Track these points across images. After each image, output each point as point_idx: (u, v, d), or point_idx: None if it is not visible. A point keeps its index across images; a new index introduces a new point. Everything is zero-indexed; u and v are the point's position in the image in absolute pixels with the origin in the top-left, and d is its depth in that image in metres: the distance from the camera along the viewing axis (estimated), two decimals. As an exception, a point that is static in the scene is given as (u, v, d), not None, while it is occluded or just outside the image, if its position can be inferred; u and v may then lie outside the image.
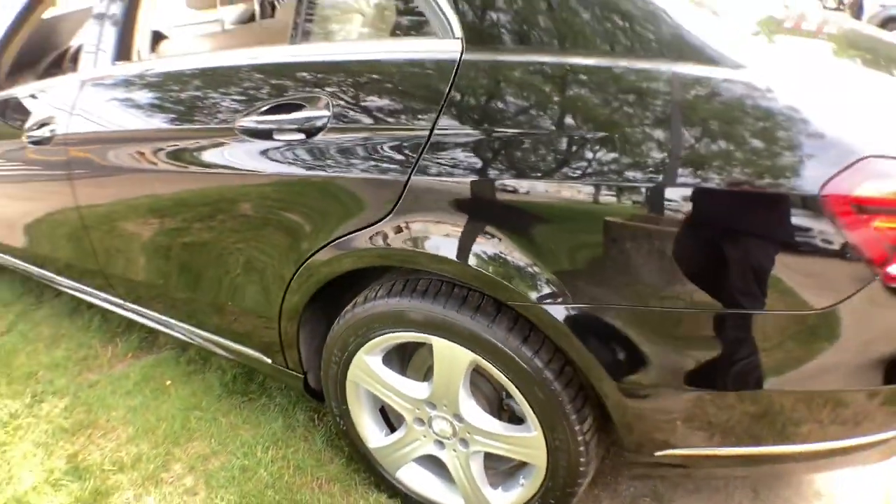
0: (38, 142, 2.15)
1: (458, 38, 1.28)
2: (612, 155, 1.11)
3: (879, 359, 1.13)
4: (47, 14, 2.78)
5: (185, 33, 2.94)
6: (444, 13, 1.29)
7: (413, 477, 1.67)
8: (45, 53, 3.06)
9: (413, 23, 1.52)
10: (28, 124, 2.23)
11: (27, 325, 2.81)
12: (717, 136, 1.07)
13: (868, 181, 1.01)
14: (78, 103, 2.02)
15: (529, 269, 1.22)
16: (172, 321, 2.09)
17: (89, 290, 2.38)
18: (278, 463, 1.88)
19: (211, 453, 1.95)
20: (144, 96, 1.86)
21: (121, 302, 2.25)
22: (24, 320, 2.85)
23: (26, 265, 2.70)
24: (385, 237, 1.35)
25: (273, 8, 3.20)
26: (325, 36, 1.83)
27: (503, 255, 1.23)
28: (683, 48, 1.13)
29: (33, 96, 2.36)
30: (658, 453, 1.30)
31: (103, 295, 2.33)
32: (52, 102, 2.17)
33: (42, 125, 2.13)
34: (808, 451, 1.25)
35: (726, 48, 1.13)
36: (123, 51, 2.00)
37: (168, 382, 2.30)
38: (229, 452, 1.94)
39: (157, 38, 2.62)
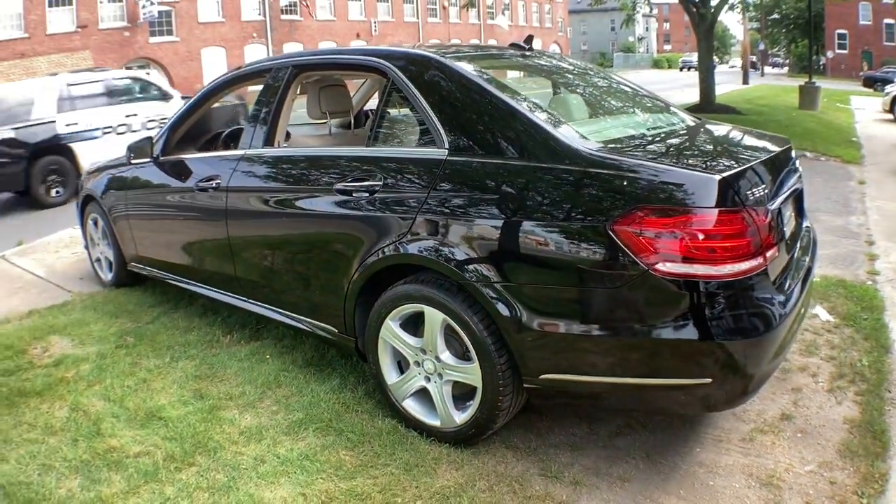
0: (203, 189, 3.46)
1: (445, 149, 2.47)
2: (504, 205, 2.24)
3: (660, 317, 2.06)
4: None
5: (305, 133, 4.31)
6: (441, 137, 2.50)
7: (412, 405, 2.63)
8: (200, 134, 4.46)
9: (427, 140, 2.62)
10: (197, 178, 3.56)
11: (168, 319, 4.05)
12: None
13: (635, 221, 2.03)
14: (238, 167, 3.32)
15: (470, 265, 2.29)
16: (276, 308, 3.25)
17: (224, 292, 3.59)
18: (333, 401, 2.91)
19: (290, 395, 3.00)
20: (279, 168, 3.14)
21: (244, 298, 3.45)
22: (165, 316, 4.10)
23: (177, 277, 3.99)
24: (402, 248, 2.49)
25: (365, 120, 4.59)
26: (385, 142, 2.98)
27: (458, 258, 2.32)
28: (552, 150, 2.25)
29: (200, 160, 3.71)
30: (542, 377, 2.26)
31: (233, 295, 3.54)
32: (219, 165, 3.48)
33: (209, 179, 3.44)
34: (636, 384, 2.16)
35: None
36: (269, 139, 3.29)
37: (267, 356, 3.41)
38: (302, 395, 2.99)
39: (289, 134, 3.95)
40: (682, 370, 2.11)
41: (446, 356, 2.47)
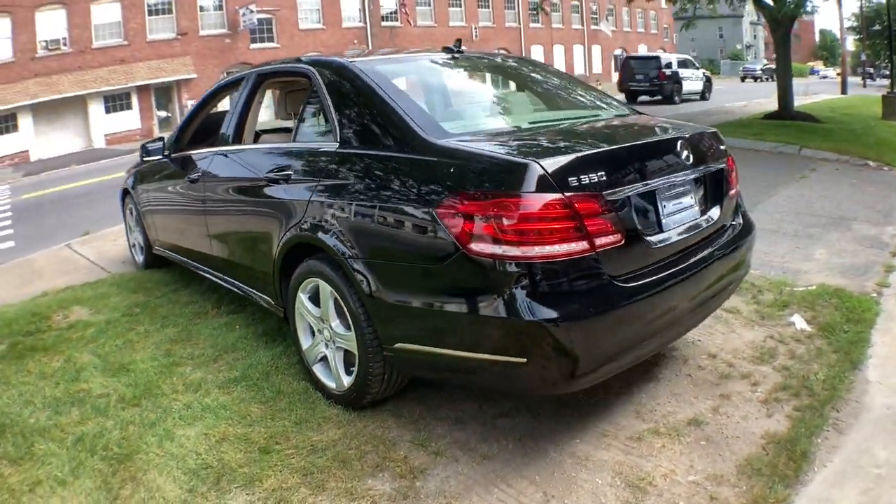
0: (193, 181, 4.08)
1: (337, 142, 2.89)
2: (366, 190, 2.61)
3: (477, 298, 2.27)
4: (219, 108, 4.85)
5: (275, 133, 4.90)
6: (336, 131, 2.91)
7: (319, 369, 3.06)
8: (210, 132, 5.12)
9: (329, 134, 2.98)
10: (191, 171, 4.19)
11: (175, 295, 4.71)
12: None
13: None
14: (211, 162, 3.92)
15: (341, 244, 2.66)
16: (236, 282, 3.81)
17: (208, 270, 4.21)
18: (269, 364, 3.34)
19: (240, 357, 3.49)
20: (233, 162, 3.71)
21: (220, 275, 4.05)
22: (173, 293, 4.76)
23: (180, 258, 4.66)
24: (300, 229, 2.91)
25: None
26: (303, 137, 3.30)
27: (333, 238, 2.70)
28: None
29: (196, 156, 4.34)
30: (395, 345, 2.56)
31: (213, 272, 4.14)
32: (202, 160, 4.10)
33: (195, 171, 4.06)
34: (463, 356, 2.38)
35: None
36: (236, 138, 3.85)
37: (237, 326, 3.95)
38: (248, 358, 3.45)
39: (259, 134, 4.50)
40: (499, 347, 2.26)
41: (335, 325, 2.89)
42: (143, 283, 5.03)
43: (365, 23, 35.92)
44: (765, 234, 5.20)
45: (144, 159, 4.72)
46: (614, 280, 2.30)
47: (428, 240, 2.39)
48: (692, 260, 2.65)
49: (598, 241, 2.24)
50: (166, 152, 4.61)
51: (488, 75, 3.68)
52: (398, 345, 2.60)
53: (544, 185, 2.17)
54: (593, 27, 48.61)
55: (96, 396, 3.18)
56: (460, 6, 40.30)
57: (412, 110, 2.71)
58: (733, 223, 3.08)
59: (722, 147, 3.12)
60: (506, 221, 2.18)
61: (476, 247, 2.23)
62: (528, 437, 2.68)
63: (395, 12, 36.84)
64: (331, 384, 3.00)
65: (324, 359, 3.07)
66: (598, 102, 3.48)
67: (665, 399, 2.96)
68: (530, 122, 3.06)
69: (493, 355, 2.31)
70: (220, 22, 31.71)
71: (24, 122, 26.45)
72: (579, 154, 2.36)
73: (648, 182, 2.52)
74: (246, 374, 3.32)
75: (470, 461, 2.54)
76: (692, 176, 2.78)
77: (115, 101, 28.23)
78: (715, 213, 2.92)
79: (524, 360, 2.21)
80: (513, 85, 3.65)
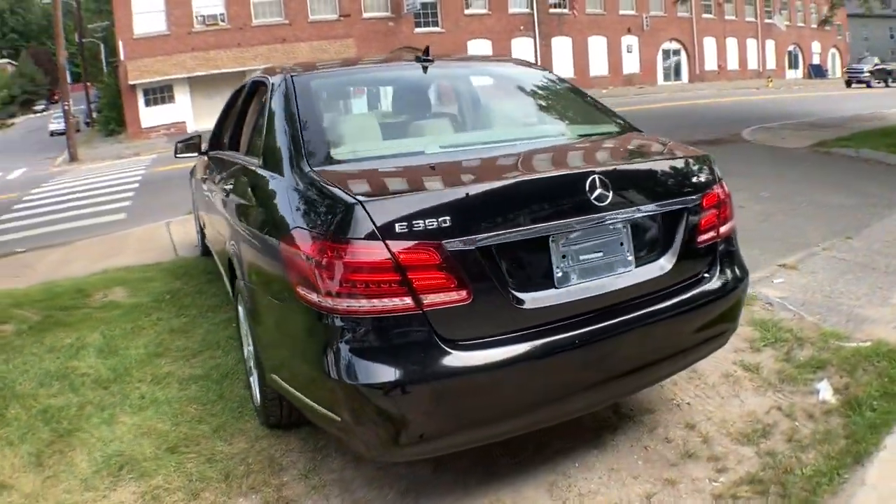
0: (203, 180, 4.50)
1: (259, 159, 2.87)
2: (252, 213, 2.68)
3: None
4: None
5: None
6: (260, 150, 2.88)
7: (252, 381, 3.07)
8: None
9: (257, 154, 2.93)
10: (207, 170, 4.57)
11: (207, 286, 5.12)
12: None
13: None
14: (213, 163, 4.31)
15: (239, 267, 2.81)
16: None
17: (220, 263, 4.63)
18: (231, 368, 3.59)
19: (215, 356, 3.78)
20: (216, 166, 4.02)
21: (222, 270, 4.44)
22: (208, 284, 5.18)
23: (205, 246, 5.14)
24: (229, 244, 3.07)
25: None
26: (250, 153, 3.22)
27: (238, 258, 2.84)
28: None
29: (217, 156, 4.55)
30: (270, 375, 2.55)
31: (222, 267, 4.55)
32: (215, 161, 4.41)
33: (212, 171, 4.42)
34: (303, 402, 2.30)
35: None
36: (232, 144, 4.00)
37: (233, 325, 4.37)
38: (221, 358, 3.75)
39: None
40: (320, 399, 2.14)
41: (248, 342, 3.06)
42: (189, 271, 5.59)
43: (532, 9, 35.98)
44: (851, 267, 4.74)
45: (177, 156, 5.05)
46: (450, 344, 2.03)
47: (277, 274, 2.32)
48: (609, 322, 2.26)
49: (429, 299, 1.98)
50: (203, 148, 4.92)
51: (443, 88, 3.52)
52: (271, 375, 2.57)
53: (364, 229, 1.95)
54: (766, 20, 45.64)
55: (79, 374, 3.65)
56: (631, -7, 39.24)
57: (310, 131, 2.58)
58: (706, 274, 2.60)
59: (699, 179, 2.61)
60: (322, 267, 1.99)
61: (300, 289, 2.11)
62: (413, 492, 2.56)
63: (564, -2, 36.21)
64: (255, 398, 3.11)
65: None
66: (566, 123, 3.21)
67: (597, 474, 2.63)
68: (442, 147, 2.72)
69: (319, 406, 2.18)
70: (383, 4, 32.74)
71: (181, 94, 29.08)
72: (417, 195, 2.11)
73: (532, 227, 2.15)
74: (208, 373, 3.63)
75: (343, 500, 2.56)
76: (624, 217, 2.33)
77: (276, 79, 30.31)
78: (666, 262, 2.46)
79: (338, 418, 2.09)
80: (466, 99, 3.45)
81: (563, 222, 2.21)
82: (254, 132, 3.31)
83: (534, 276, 2.20)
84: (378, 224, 1.96)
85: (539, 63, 35.23)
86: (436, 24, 33.86)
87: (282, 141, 2.64)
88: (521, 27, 35.79)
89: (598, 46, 38.64)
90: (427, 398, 2.02)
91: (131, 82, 28.47)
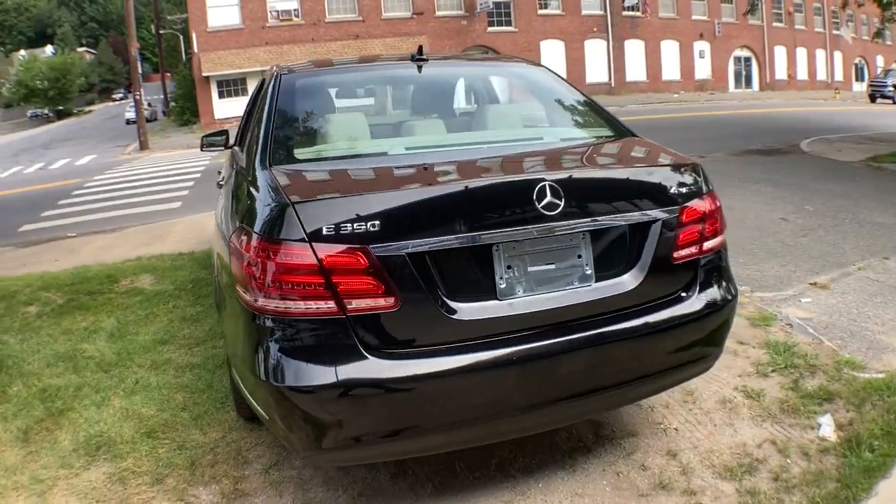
0: (219, 174, 4.65)
1: (243, 155, 3.00)
2: (228, 207, 2.73)
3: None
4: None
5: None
6: (244, 153, 2.97)
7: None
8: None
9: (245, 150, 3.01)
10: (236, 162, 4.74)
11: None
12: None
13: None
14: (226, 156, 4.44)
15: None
16: None
17: None
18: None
19: (217, 347, 4.07)
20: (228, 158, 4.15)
21: None
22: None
23: None
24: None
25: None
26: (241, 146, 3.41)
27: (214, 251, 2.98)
28: None
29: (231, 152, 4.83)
30: (232, 369, 2.65)
31: None
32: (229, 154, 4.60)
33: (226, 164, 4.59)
34: None
35: None
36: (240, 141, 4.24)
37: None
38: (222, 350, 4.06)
39: None
40: (254, 397, 2.21)
41: None
42: (214, 262, 5.80)
43: (605, 11, 36.02)
44: (882, 290, 4.52)
45: (203, 150, 5.17)
46: (374, 351, 2.02)
47: (228, 270, 2.40)
48: (561, 339, 2.17)
49: (353, 304, 1.99)
50: (231, 145, 5.13)
51: (429, 89, 3.44)
52: (232, 369, 2.63)
53: (293, 231, 1.97)
54: (834, 32, 44.20)
55: (85, 357, 3.85)
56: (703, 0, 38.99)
57: (281, 130, 2.66)
58: (684, 293, 2.43)
59: (679, 190, 2.41)
60: (255, 266, 2.03)
61: (238, 287, 2.16)
62: (365, 497, 2.59)
63: (638, 1, 36.46)
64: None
65: None
66: (549, 126, 3.13)
67: (559, 497, 2.54)
68: (407, 148, 2.74)
69: (255, 403, 2.24)
70: (456, 3, 33.24)
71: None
72: (347, 198, 2.09)
73: (470, 235, 2.08)
74: (205, 363, 3.76)
75: (292, 501, 2.58)
76: (582, 228, 2.23)
77: (346, 76, 31.16)
78: (633, 279, 2.30)
79: (267, 417, 2.14)
80: (451, 100, 3.42)
81: (507, 231, 2.12)
82: (246, 128, 3.43)
83: (473, 286, 2.14)
84: (306, 226, 1.97)
85: (612, 66, 35.61)
86: (509, 23, 34.20)
87: (257, 139, 2.69)
88: (595, 29, 35.77)
89: (670, 51, 38.22)
90: (346, 405, 2.01)
91: (205, 74, 29.58)
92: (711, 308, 2.46)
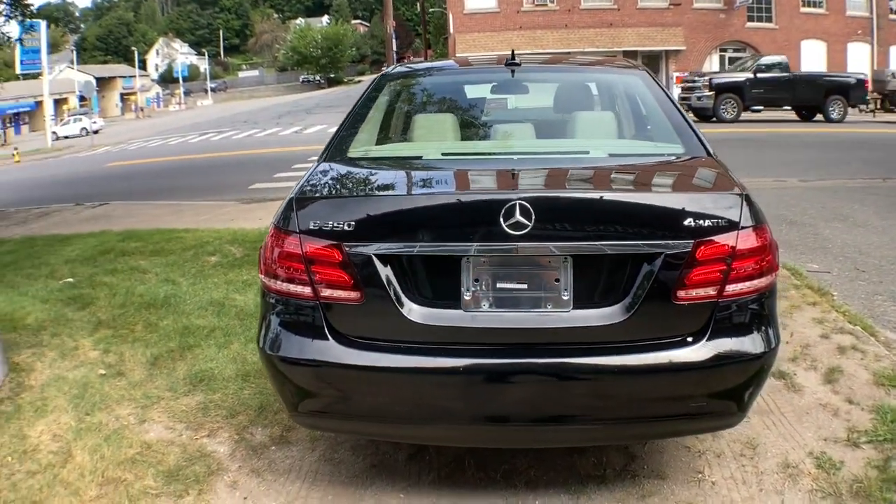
0: None
1: None
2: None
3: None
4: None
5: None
6: None
7: None
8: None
9: None
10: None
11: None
12: None
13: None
14: None
15: None
16: None
17: None
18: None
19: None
20: None
21: None
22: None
23: None
24: None
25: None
26: None
27: None
28: None
29: None
30: None
31: None
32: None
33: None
34: None
35: None
36: None
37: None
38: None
39: None
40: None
41: None
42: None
43: (871, 13, 33.41)
44: None
45: None
46: (339, 337, 2.34)
47: None
48: (525, 360, 2.27)
49: (324, 293, 2.32)
50: None
51: (505, 93, 3.67)
52: None
53: (291, 223, 2.36)
54: None
55: (232, 306, 4.65)
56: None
57: (348, 127, 3.07)
58: (689, 338, 2.28)
59: (700, 223, 2.24)
60: (268, 248, 2.45)
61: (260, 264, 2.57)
62: (376, 468, 2.87)
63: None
64: None
65: None
66: (609, 139, 3.07)
67: None
68: (444, 154, 2.95)
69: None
70: (718, -5, 32.24)
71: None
72: (335, 199, 2.53)
73: (437, 245, 2.28)
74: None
75: (322, 455, 2.97)
76: (561, 252, 2.24)
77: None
78: (618, 313, 2.25)
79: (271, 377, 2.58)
80: (517, 107, 3.59)
81: (474, 245, 2.25)
82: None
83: (438, 293, 2.32)
84: (299, 220, 2.35)
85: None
86: (769, 19, 32.61)
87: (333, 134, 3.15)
88: (859, 31, 32.98)
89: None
90: (309, 379, 2.40)
91: (458, 55, 31.40)
92: (724, 360, 2.28)
